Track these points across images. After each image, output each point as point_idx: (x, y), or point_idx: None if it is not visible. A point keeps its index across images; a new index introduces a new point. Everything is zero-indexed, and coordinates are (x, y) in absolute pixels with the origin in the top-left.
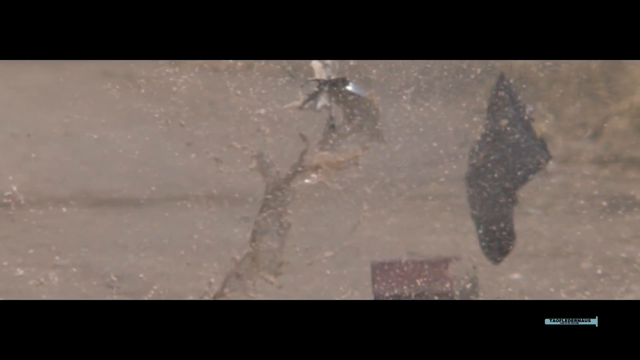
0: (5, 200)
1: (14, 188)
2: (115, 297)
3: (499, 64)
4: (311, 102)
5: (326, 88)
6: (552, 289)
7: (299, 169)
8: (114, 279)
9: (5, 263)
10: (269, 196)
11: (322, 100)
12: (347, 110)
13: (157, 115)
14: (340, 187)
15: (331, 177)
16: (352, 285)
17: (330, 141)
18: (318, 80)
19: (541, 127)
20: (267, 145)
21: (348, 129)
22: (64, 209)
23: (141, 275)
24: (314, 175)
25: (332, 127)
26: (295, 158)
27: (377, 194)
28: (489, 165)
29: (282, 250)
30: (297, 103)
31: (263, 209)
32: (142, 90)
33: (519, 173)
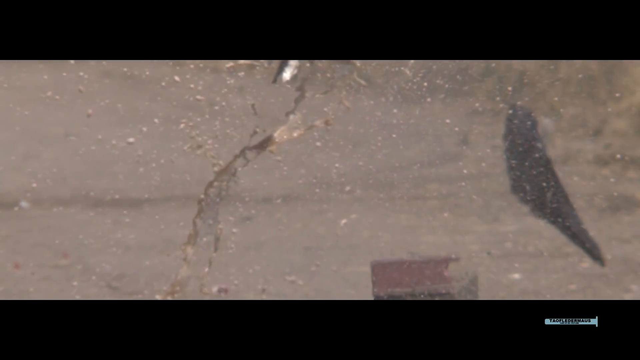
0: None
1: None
2: (116, 297)
3: (498, 64)
4: (280, 75)
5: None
6: (552, 289)
7: (253, 150)
8: (114, 279)
9: (5, 263)
10: (202, 196)
11: (291, 66)
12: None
13: (157, 115)
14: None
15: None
16: (352, 285)
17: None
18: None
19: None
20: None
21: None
22: (64, 209)
23: (141, 275)
24: (270, 150)
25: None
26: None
27: (377, 194)
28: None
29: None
30: (242, 61)
31: (198, 213)
32: (143, 90)
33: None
